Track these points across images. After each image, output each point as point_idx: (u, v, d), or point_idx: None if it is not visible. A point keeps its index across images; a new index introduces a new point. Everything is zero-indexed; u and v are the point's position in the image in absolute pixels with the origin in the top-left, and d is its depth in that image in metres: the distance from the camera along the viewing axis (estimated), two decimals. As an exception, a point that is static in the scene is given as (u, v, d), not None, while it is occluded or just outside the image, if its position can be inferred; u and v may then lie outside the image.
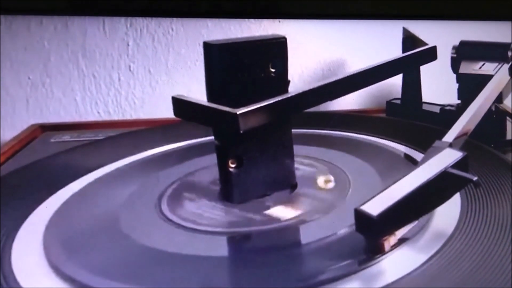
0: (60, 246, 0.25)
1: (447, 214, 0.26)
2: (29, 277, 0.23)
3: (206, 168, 0.34)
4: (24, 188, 0.33)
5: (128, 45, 0.55)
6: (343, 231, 0.25)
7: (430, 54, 0.35)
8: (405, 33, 0.47)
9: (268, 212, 0.28)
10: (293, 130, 0.30)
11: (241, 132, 0.24)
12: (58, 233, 0.27)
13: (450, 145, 0.27)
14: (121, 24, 0.55)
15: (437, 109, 0.45)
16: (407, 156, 0.36)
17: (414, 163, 0.33)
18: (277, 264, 0.23)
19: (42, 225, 0.28)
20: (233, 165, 0.28)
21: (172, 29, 0.56)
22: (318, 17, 0.59)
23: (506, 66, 0.40)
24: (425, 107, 0.48)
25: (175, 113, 0.27)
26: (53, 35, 0.53)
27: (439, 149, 0.26)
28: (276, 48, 0.28)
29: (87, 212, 0.30)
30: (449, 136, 0.29)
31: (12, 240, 0.26)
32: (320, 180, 0.32)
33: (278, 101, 0.26)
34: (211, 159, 0.30)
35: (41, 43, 0.53)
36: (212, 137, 0.29)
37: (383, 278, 0.21)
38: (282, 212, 0.28)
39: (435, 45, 0.35)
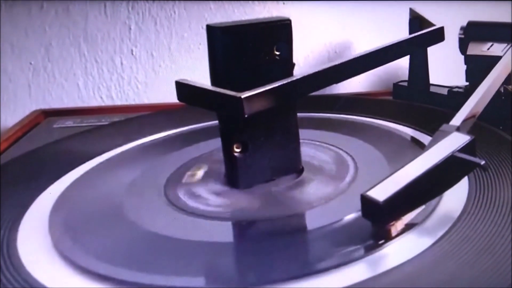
0: (65, 232, 0.25)
1: (454, 197, 0.25)
2: (36, 263, 0.23)
3: (211, 153, 0.34)
4: (28, 175, 0.33)
5: (130, 28, 0.55)
6: (349, 216, 0.24)
7: (438, 35, 0.34)
8: (412, 14, 0.46)
9: (273, 197, 0.28)
10: (298, 114, 0.30)
11: (246, 116, 0.24)
12: (64, 219, 0.27)
13: (458, 128, 0.27)
14: (123, 7, 0.54)
15: (444, 91, 0.45)
16: (414, 139, 0.35)
17: (421, 147, 0.32)
18: (282, 250, 0.23)
19: (47, 211, 0.28)
20: (238, 150, 0.28)
21: (175, 12, 0.56)
22: (323, -2, 0.58)
23: (515, 47, 0.39)
24: (432, 89, 0.47)
25: (178, 98, 0.27)
26: (54, 19, 0.53)
27: (446, 133, 0.26)
28: (281, 31, 0.28)
29: (92, 197, 0.30)
30: (457, 119, 0.28)
31: (17, 227, 0.26)
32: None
33: (283, 84, 0.26)
34: (216, 143, 0.30)
35: (42, 27, 0.53)
36: (216, 122, 0.28)
37: (389, 262, 0.21)
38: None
39: (442, 26, 0.34)
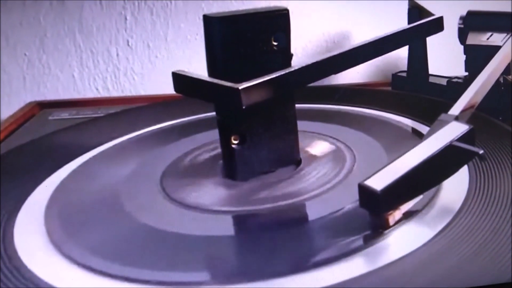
0: (61, 225, 0.25)
1: (455, 188, 0.25)
2: (33, 256, 0.23)
3: (209, 145, 0.34)
4: (24, 167, 0.33)
5: (126, 19, 0.54)
6: (347, 207, 0.24)
7: (437, 25, 0.34)
8: (411, 4, 0.46)
9: (271, 189, 0.28)
10: (296, 105, 0.30)
11: (244, 107, 0.24)
12: (60, 212, 0.27)
13: (457, 118, 0.27)
14: (118, -3, 0.54)
15: (444, 82, 0.45)
16: (413, 130, 0.35)
17: (420, 137, 0.32)
18: (281, 241, 0.23)
19: (43, 204, 0.28)
20: (235, 142, 0.28)
21: (171, 2, 0.55)
22: (321, -12, 0.57)
23: (514, 37, 0.39)
24: (431, 79, 0.47)
25: (175, 89, 0.27)
26: (49, 10, 0.52)
27: (445, 122, 0.26)
28: (279, 21, 0.28)
29: (88, 190, 0.30)
30: (456, 109, 0.28)
31: (14, 220, 0.26)
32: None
33: (281, 75, 0.26)
34: (214, 135, 0.30)
35: (37, 18, 0.52)
36: (214, 113, 0.28)
37: (389, 254, 0.21)
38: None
39: (441, 16, 0.34)
